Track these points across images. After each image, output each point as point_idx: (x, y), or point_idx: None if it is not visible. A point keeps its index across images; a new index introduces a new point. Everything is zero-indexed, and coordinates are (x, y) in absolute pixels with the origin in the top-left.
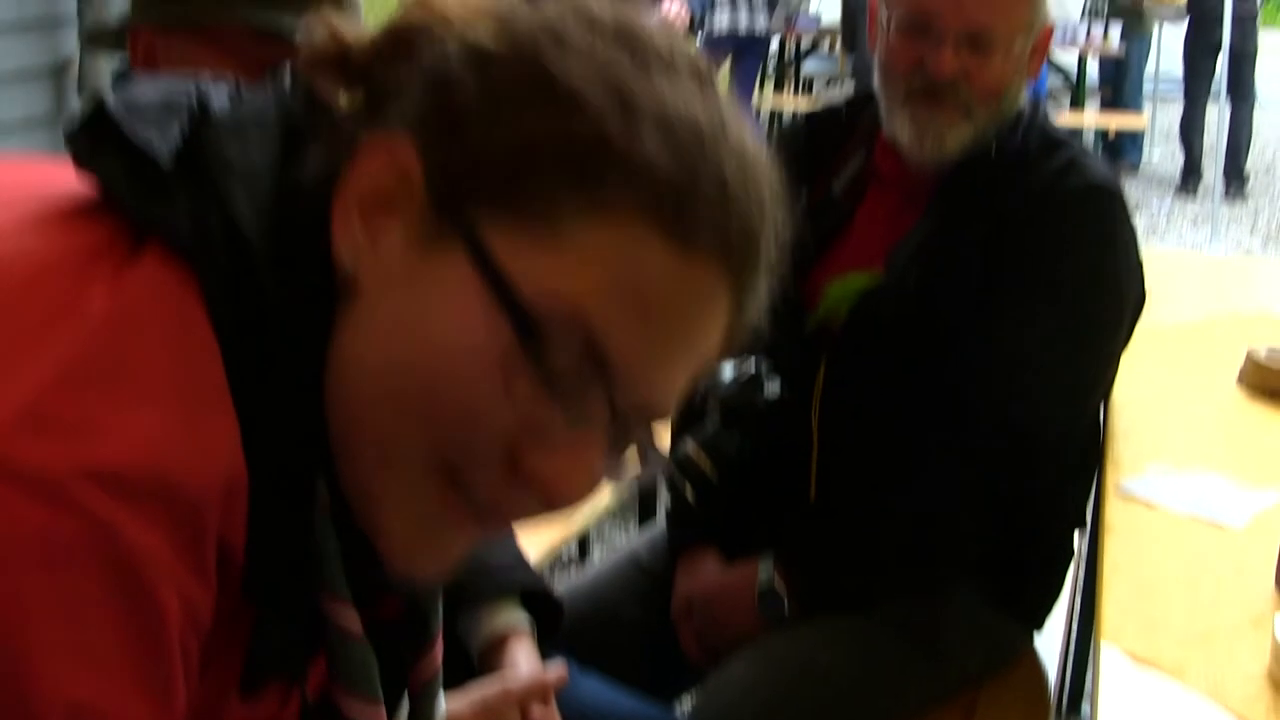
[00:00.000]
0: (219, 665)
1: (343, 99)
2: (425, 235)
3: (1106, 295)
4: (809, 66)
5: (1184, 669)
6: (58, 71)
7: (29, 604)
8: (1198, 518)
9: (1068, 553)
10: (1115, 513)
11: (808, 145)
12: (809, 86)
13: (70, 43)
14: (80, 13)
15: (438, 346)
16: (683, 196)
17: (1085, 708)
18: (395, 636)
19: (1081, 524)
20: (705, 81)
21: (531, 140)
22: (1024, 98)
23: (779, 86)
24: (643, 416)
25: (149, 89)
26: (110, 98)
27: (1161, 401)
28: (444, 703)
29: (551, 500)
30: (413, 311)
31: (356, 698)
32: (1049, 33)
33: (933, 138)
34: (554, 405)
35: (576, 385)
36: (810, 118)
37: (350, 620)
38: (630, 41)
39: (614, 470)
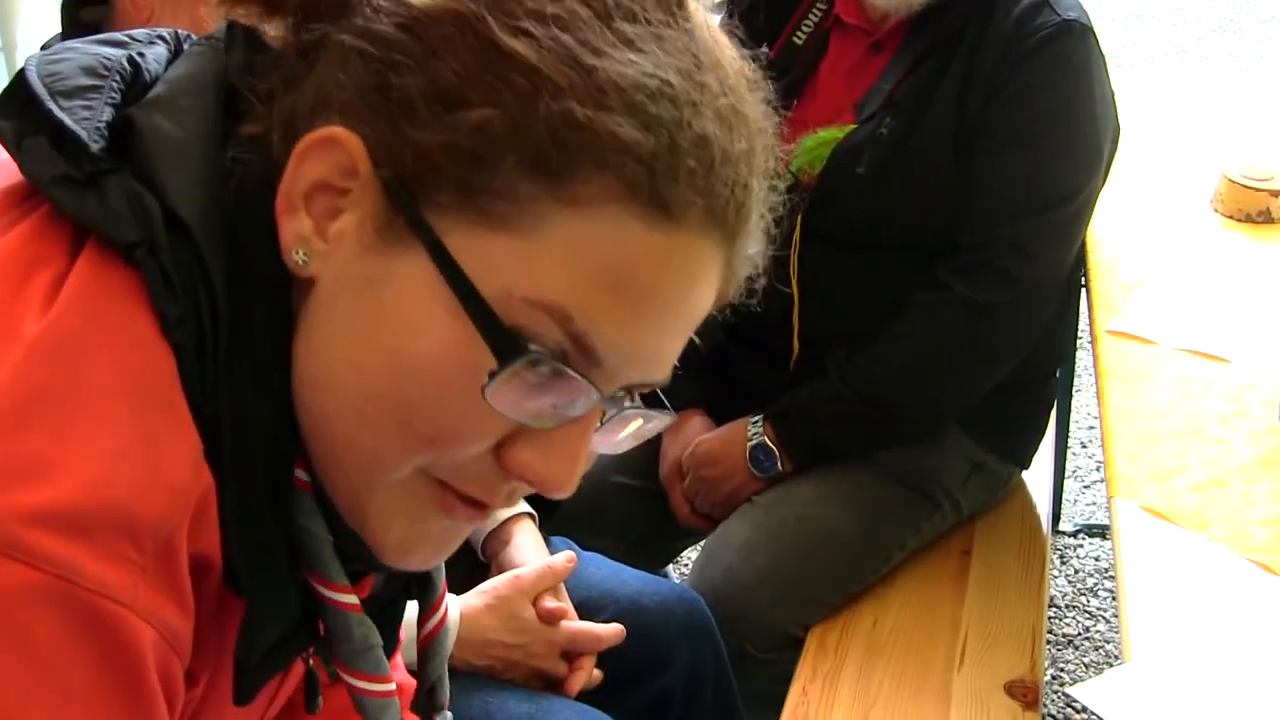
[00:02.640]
0: (211, 674)
1: (278, 39)
2: (381, 233)
3: (1085, 131)
4: None
5: (1203, 520)
6: None
7: None
8: (1193, 351)
9: (1052, 392)
10: (1110, 353)
11: None
12: None
13: None
14: None
15: (406, 358)
16: (661, 171)
17: (1064, 525)
18: (398, 596)
19: (1065, 362)
20: (675, 14)
21: (484, 129)
22: None
23: None
24: (638, 389)
25: (75, 54)
26: (32, 67)
27: (1139, 233)
28: (456, 605)
29: (547, 491)
30: (375, 317)
31: (364, 676)
32: None
33: None
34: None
35: (561, 383)
36: None
37: (346, 599)
38: None
39: (614, 444)
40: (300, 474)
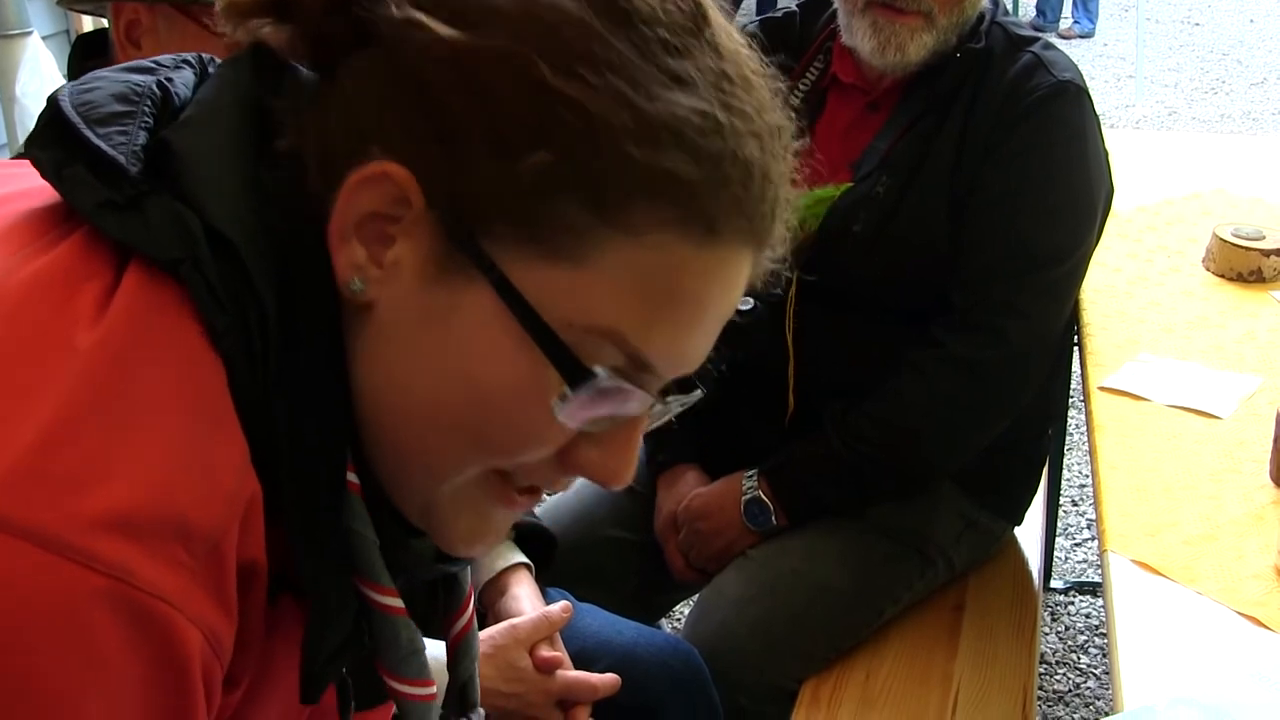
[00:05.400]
0: (253, 678)
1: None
2: (441, 265)
3: (1079, 192)
4: None
5: (1194, 574)
6: None
7: (45, 660)
8: (1185, 408)
9: (1045, 449)
10: (1102, 409)
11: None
12: None
13: None
14: None
15: (479, 383)
16: (709, 197)
17: (1055, 582)
18: (428, 597)
19: (1057, 420)
20: (702, 32)
21: (543, 172)
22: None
23: None
24: (676, 379)
25: (105, 83)
26: (65, 97)
27: (1131, 291)
28: None
29: (608, 484)
30: (443, 343)
31: (408, 681)
32: None
33: (895, 46)
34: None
35: (619, 393)
36: (764, 24)
37: (393, 602)
38: (626, 19)
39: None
40: (351, 477)
